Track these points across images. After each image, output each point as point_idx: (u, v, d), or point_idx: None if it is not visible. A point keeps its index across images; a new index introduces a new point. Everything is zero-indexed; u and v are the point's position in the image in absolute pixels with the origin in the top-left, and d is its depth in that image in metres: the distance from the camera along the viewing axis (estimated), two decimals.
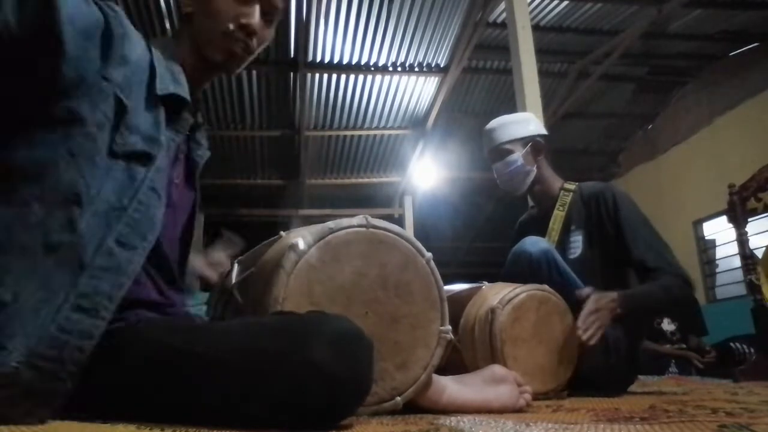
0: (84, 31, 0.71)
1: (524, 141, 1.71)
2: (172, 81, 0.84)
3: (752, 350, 3.04)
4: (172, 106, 0.84)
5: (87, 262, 0.67)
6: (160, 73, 0.82)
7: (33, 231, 0.66)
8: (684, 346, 3.39)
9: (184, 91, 0.85)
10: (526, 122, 1.76)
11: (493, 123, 1.76)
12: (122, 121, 0.75)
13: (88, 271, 0.67)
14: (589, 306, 1.33)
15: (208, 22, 0.88)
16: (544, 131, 1.79)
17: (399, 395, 0.84)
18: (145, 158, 0.77)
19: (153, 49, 0.84)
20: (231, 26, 0.87)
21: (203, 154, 0.98)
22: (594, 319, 1.31)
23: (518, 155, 1.69)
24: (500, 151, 1.71)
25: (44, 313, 0.64)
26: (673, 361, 3.24)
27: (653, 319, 3.08)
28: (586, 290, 1.38)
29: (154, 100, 0.81)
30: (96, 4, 0.75)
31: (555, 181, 1.74)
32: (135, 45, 0.80)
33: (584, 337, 1.28)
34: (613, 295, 1.37)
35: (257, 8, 0.89)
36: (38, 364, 0.62)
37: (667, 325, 3.41)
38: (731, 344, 3.23)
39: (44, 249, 0.66)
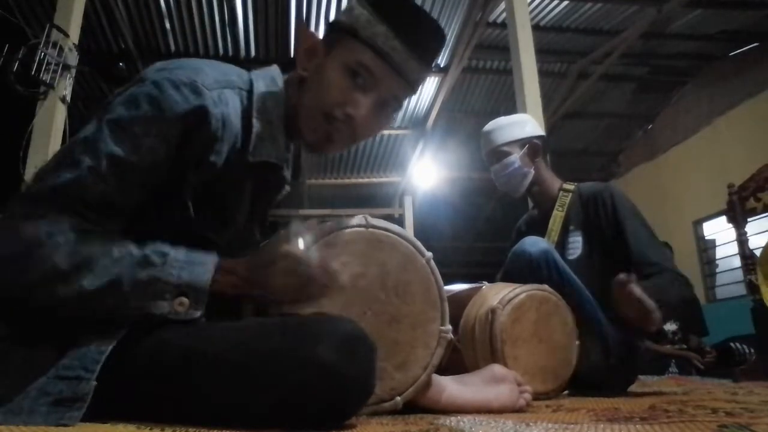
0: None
1: (521, 143, 1.71)
2: (270, 142, 0.80)
3: (752, 350, 3.04)
4: (265, 168, 0.81)
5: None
6: (257, 137, 0.78)
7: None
8: (684, 346, 3.38)
9: (280, 156, 0.81)
10: (523, 124, 1.77)
11: (490, 125, 1.76)
12: (189, 222, 0.75)
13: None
14: (640, 291, 1.21)
15: (316, 97, 0.80)
16: (541, 132, 1.79)
17: (398, 395, 0.84)
18: (209, 242, 0.76)
19: (255, 99, 0.79)
20: (336, 111, 0.79)
21: (285, 191, 0.96)
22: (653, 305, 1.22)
23: (515, 157, 1.69)
24: (497, 153, 1.71)
25: None
26: (673, 361, 3.23)
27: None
28: (625, 276, 1.29)
29: (244, 167, 0.78)
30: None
31: (554, 182, 1.74)
32: (217, 125, 0.74)
33: (656, 325, 1.20)
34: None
35: (371, 100, 0.80)
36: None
37: (669, 326, 3.40)
38: (731, 344, 3.23)
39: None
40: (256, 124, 0.78)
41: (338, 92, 0.79)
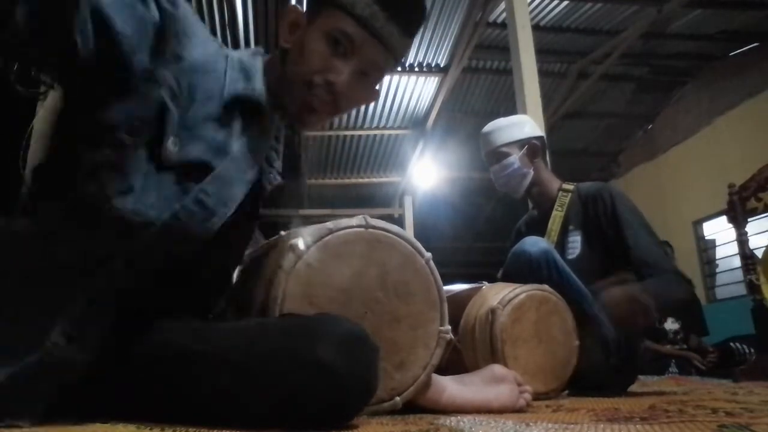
0: (137, 32, 0.65)
1: (520, 143, 1.71)
2: (244, 80, 0.77)
3: (752, 350, 3.04)
4: (249, 110, 0.77)
5: None
6: (230, 76, 0.75)
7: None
8: (685, 346, 3.38)
9: (255, 91, 0.77)
10: (522, 125, 1.77)
11: (489, 126, 1.77)
12: (168, 127, 0.68)
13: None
14: (641, 296, 1.27)
15: (297, 67, 0.79)
16: (540, 133, 1.80)
17: (398, 395, 0.84)
18: (203, 169, 0.71)
19: (230, 54, 0.77)
20: (316, 78, 0.78)
21: (273, 178, 0.91)
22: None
23: (515, 158, 1.69)
24: (497, 154, 1.72)
25: None
26: (673, 360, 3.23)
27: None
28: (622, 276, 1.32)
29: (225, 105, 0.74)
30: (156, 2, 0.68)
31: (553, 182, 1.74)
32: (198, 44, 0.72)
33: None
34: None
35: (351, 67, 0.79)
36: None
37: (671, 324, 3.40)
38: (731, 344, 3.23)
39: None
40: (232, 72, 0.77)
41: (318, 59, 0.78)
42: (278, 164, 0.92)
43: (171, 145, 0.68)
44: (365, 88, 0.84)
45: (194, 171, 0.70)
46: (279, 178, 0.92)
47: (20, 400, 0.61)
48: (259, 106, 0.79)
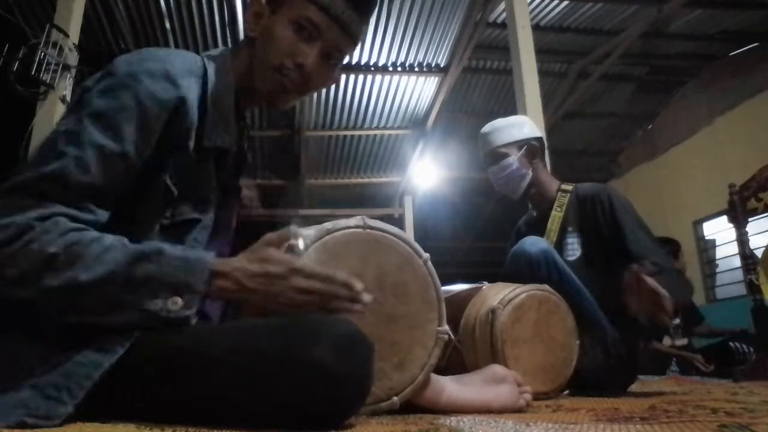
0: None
1: (519, 144, 1.71)
2: (224, 128, 0.84)
3: (752, 349, 3.03)
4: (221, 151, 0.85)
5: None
6: (211, 123, 0.82)
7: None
8: (686, 341, 3.37)
9: (231, 141, 0.86)
10: (521, 125, 1.77)
11: (488, 127, 1.76)
12: (172, 203, 0.78)
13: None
14: (656, 284, 1.20)
15: (266, 53, 0.86)
16: (539, 134, 1.79)
17: (396, 395, 0.84)
18: (194, 222, 0.81)
19: (209, 87, 0.83)
20: (286, 62, 0.85)
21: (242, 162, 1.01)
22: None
23: (513, 159, 1.69)
24: (495, 155, 1.71)
25: None
26: (674, 359, 3.23)
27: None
28: (639, 266, 1.28)
29: (204, 150, 0.82)
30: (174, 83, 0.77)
31: (552, 183, 1.74)
32: (190, 117, 0.79)
33: (665, 321, 1.19)
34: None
35: (317, 49, 0.87)
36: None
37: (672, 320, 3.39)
38: (730, 344, 3.22)
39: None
40: (211, 110, 0.83)
41: (287, 44, 0.85)
42: (244, 140, 1.00)
43: (170, 213, 0.79)
44: (328, 69, 0.91)
45: (186, 225, 0.80)
46: (249, 159, 1.03)
47: (55, 399, 0.62)
48: (230, 154, 0.88)
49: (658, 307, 1.18)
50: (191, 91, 0.79)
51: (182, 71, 0.79)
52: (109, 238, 0.68)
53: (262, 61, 0.87)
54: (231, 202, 0.97)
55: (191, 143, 0.80)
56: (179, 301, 0.67)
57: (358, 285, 0.71)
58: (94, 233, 0.68)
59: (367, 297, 0.72)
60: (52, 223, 0.66)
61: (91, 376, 0.64)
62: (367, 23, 0.92)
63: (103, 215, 0.72)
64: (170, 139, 0.77)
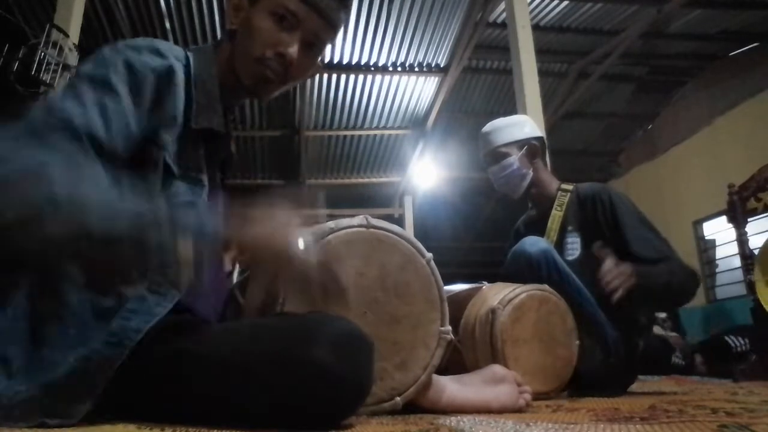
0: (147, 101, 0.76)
1: (520, 144, 1.71)
2: (212, 112, 0.84)
3: (747, 341, 3.01)
4: (211, 135, 0.85)
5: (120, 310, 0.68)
6: (198, 106, 0.82)
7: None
8: (677, 335, 3.37)
9: (220, 123, 0.85)
10: (522, 125, 1.77)
11: (489, 126, 1.76)
12: (170, 182, 0.78)
13: (120, 314, 0.67)
14: (608, 262, 1.34)
15: (247, 44, 0.86)
16: (539, 134, 1.80)
17: (398, 395, 0.84)
18: (189, 205, 0.80)
19: (193, 72, 0.84)
20: (267, 52, 0.85)
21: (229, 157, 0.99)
22: (617, 273, 1.33)
23: (514, 158, 1.69)
24: (496, 155, 1.71)
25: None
26: (677, 351, 3.20)
27: (653, 313, 3.06)
28: (605, 250, 1.39)
29: (194, 133, 0.82)
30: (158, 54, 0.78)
31: (552, 183, 1.74)
32: (179, 93, 0.80)
33: (609, 287, 1.30)
34: (629, 265, 1.38)
35: (297, 38, 0.86)
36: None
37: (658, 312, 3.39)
38: (726, 338, 3.18)
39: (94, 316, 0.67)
40: (196, 95, 0.83)
41: (268, 35, 0.85)
42: (232, 144, 1.00)
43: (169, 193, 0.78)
44: (310, 58, 0.91)
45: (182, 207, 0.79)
46: (235, 156, 1.01)
47: (73, 400, 0.62)
48: (220, 136, 0.87)
49: (605, 284, 1.31)
50: (178, 68, 0.81)
51: (167, 49, 0.81)
52: (120, 190, 0.67)
53: (244, 53, 0.87)
54: (215, 196, 0.95)
55: (180, 119, 0.80)
56: (189, 246, 0.67)
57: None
58: (103, 176, 0.67)
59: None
60: (63, 157, 0.65)
61: (105, 373, 0.63)
62: (347, 10, 0.91)
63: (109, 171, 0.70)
64: (162, 109, 0.78)
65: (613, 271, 1.33)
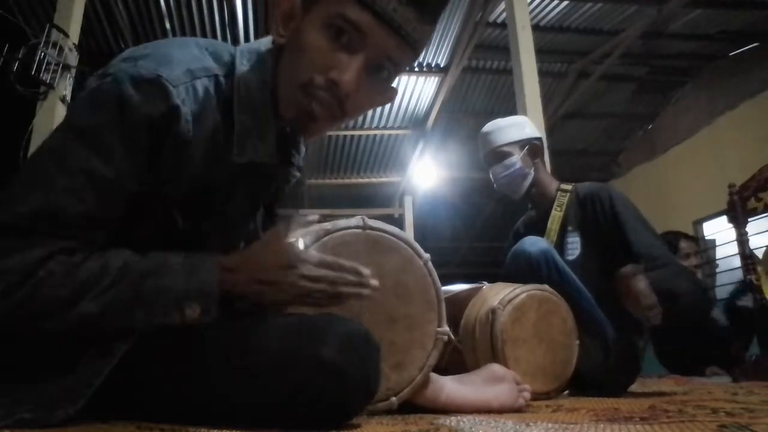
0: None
1: (521, 144, 1.71)
2: (258, 138, 0.70)
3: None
4: (254, 168, 0.72)
5: None
6: (242, 129, 0.68)
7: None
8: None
9: (268, 153, 0.70)
10: (523, 125, 1.77)
11: (489, 126, 1.76)
12: (176, 231, 0.70)
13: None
14: (642, 283, 1.29)
15: (293, 66, 0.68)
16: (539, 134, 1.80)
17: (394, 395, 0.84)
18: (206, 236, 0.74)
19: (237, 83, 0.69)
20: (316, 78, 0.66)
21: (292, 176, 0.87)
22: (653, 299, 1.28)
23: (517, 158, 1.69)
24: (498, 154, 1.71)
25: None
26: (716, 364, 3.06)
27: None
28: (631, 268, 1.34)
29: (227, 168, 0.69)
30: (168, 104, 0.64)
31: (551, 183, 1.74)
32: (185, 139, 0.66)
33: (654, 320, 1.27)
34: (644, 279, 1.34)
35: (358, 61, 0.66)
36: None
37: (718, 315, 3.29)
38: (737, 303, 3.03)
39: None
40: (237, 118, 0.68)
41: (318, 54, 0.65)
42: (298, 159, 0.86)
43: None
44: (377, 86, 0.71)
45: (198, 237, 0.72)
46: (298, 174, 0.86)
47: (55, 408, 0.61)
48: (270, 167, 0.74)
49: (644, 308, 1.26)
50: (194, 97, 0.66)
51: (182, 73, 0.65)
52: (114, 262, 0.63)
53: (288, 78, 0.69)
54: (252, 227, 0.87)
55: (190, 165, 0.67)
56: (196, 308, 0.64)
57: (365, 270, 0.69)
58: (98, 261, 0.62)
59: (374, 282, 0.70)
60: (55, 263, 0.60)
61: (92, 384, 0.62)
62: (433, 24, 0.69)
63: (102, 238, 0.65)
64: (159, 163, 0.65)
65: (649, 299, 1.26)
